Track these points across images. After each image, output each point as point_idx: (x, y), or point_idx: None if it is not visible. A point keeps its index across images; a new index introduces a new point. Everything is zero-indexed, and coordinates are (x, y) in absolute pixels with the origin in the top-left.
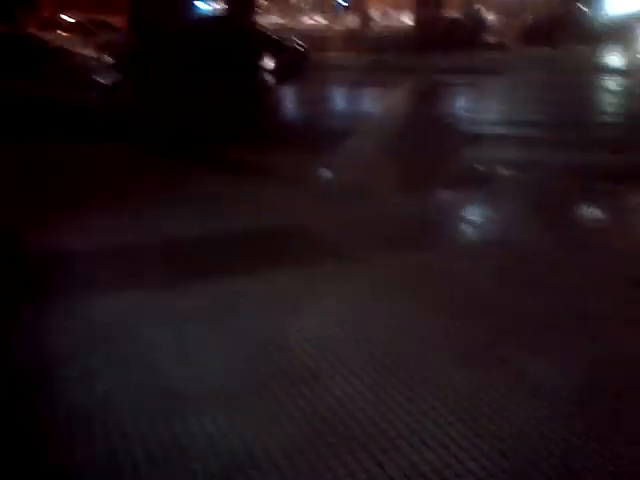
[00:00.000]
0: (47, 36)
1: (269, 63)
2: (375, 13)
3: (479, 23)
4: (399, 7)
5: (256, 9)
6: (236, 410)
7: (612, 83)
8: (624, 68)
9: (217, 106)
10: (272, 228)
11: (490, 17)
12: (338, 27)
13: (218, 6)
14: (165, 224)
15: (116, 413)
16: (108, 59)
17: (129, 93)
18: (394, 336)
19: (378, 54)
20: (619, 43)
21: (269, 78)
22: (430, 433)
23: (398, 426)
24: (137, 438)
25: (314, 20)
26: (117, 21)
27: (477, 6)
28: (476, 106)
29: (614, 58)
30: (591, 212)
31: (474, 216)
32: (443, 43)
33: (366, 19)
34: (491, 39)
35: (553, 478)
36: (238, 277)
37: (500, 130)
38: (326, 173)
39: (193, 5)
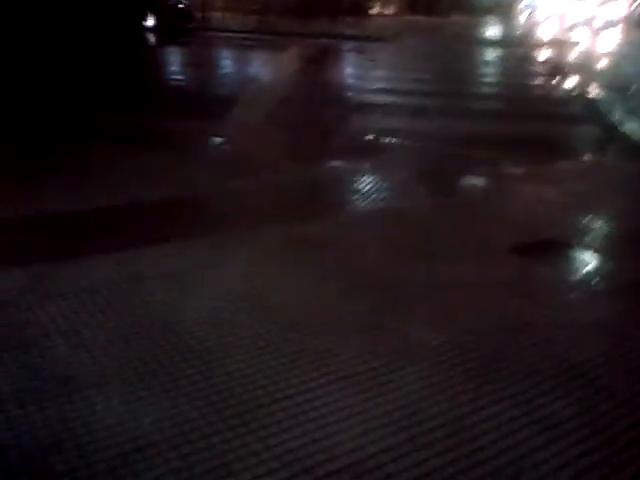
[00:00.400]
0: None
1: (149, 20)
2: None
3: None
4: None
5: None
6: (130, 389)
7: (492, 54)
8: (503, 39)
9: (93, 68)
10: (159, 199)
11: None
12: None
13: None
14: (52, 197)
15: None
16: None
17: None
18: (284, 308)
19: (264, 16)
20: (498, 15)
21: (149, 37)
22: (326, 402)
23: (294, 397)
24: (23, 423)
25: None
26: None
27: None
28: (363, 73)
29: (494, 29)
30: (473, 180)
31: (361, 185)
32: (330, 9)
33: None
34: (377, 7)
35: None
36: (123, 251)
37: (386, 98)
38: (214, 141)
39: None
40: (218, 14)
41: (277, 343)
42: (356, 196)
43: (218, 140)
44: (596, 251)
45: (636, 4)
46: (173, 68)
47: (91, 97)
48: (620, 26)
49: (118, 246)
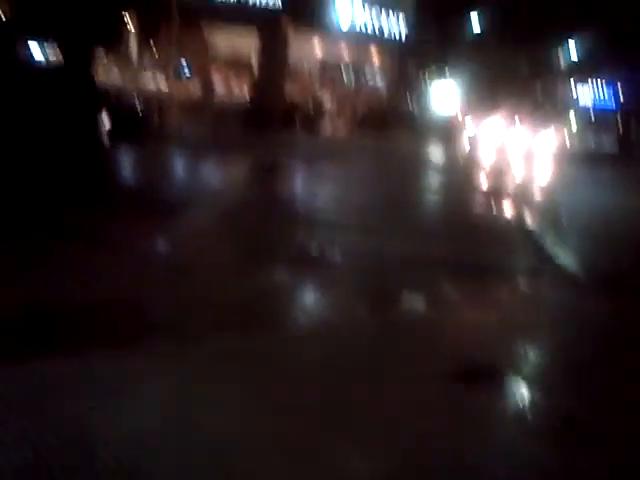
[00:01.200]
0: None
1: (106, 124)
2: (218, 84)
3: (317, 107)
4: (242, 82)
5: (95, 63)
6: None
7: (433, 178)
8: (443, 164)
9: (48, 168)
10: (98, 301)
11: (327, 103)
12: (180, 93)
13: (54, 57)
14: None
15: None
16: None
17: None
18: (213, 431)
19: (219, 125)
20: (441, 138)
21: (105, 138)
22: None
23: None
24: None
25: (155, 83)
26: None
27: (318, 91)
28: (312, 190)
29: (436, 153)
30: (412, 301)
31: (303, 298)
32: (282, 122)
33: (209, 89)
34: (326, 124)
35: None
36: (49, 358)
37: (332, 216)
38: (162, 243)
39: (25, 53)
40: (175, 120)
41: (200, 470)
42: (298, 309)
43: (166, 242)
44: (531, 382)
45: (570, 139)
46: (127, 172)
47: (42, 195)
48: (556, 159)
49: (43, 350)
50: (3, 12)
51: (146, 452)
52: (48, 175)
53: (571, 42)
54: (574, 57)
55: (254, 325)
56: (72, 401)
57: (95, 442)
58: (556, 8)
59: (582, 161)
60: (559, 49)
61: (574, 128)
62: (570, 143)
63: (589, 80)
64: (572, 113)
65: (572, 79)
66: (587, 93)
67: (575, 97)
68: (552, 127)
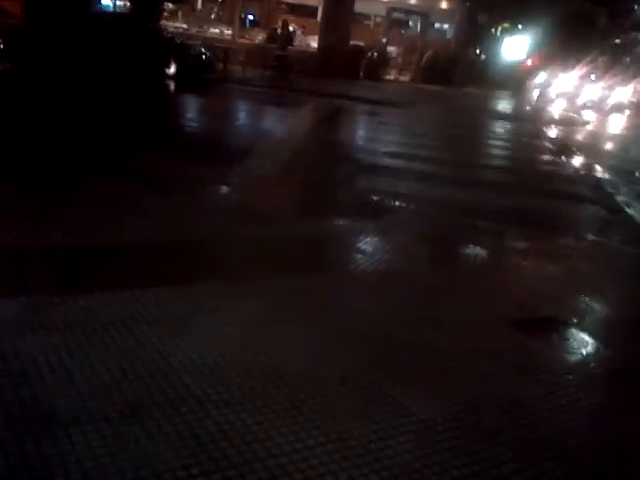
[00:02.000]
0: None
1: (171, 68)
2: (283, 32)
3: (382, 55)
4: (308, 30)
5: (161, 12)
6: (113, 431)
7: (502, 127)
8: (514, 113)
9: (114, 109)
10: (165, 241)
11: (393, 52)
12: (245, 40)
13: (122, 3)
14: (56, 230)
15: None
16: None
17: (17, 82)
18: (278, 361)
19: (283, 72)
20: (509, 88)
21: (170, 83)
22: (312, 465)
23: (279, 457)
24: (1, 462)
25: (220, 31)
26: (11, 5)
27: (383, 39)
28: (375, 136)
29: (503, 102)
30: (475, 250)
31: (365, 244)
32: (345, 70)
33: (274, 37)
34: (391, 72)
35: None
36: (119, 292)
37: (395, 162)
38: (224, 189)
39: (97, 4)
40: (239, 67)
41: (269, 399)
42: (359, 255)
43: (228, 188)
44: (594, 334)
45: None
46: (190, 115)
47: (107, 138)
48: (628, 110)
49: (118, 285)
50: None
51: (214, 381)
52: (114, 116)
53: None
54: None
55: (318, 267)
56: (143, 332)
57: (166, 371)
58: None
59: None
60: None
61: None
62: None
63: None
64: None
65: None
66: None
67: None
68: (632, 81)
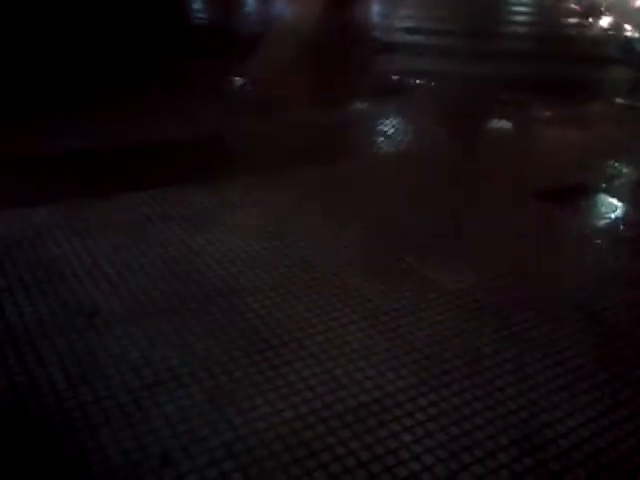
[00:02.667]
0: None
1: None
2: None
3: None
4: None
5: None
6: (153, 325)
7: None
8: None
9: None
10: (186, 138)
11: None
12: None
13: None
14: (77, 134)
15: (30, 333)
16: None
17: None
18: (310, 251)
19: None
20: None
21: None
22: (347, 341)
23: (315, 336)
24: (51, 354)
25: None
26: None
27: None
28: (389, 12)
29: None
30: (500, 123)
31: (386, 127)
32: None
33: None
34: None
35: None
36: (152, 189)
37: (413, 38)
38: (238, 81)
39: None
40: None
41: (301, 284)
42: (382, 138)
43: (242, 80)
44: (623, 198)
45: None
46: (197, 7)
47: (116, 38)
48: None
49: (146, 185)
50: None
51: (246, 270)
52: (118, 17)
53: None
54: None
55: (340, 154)
56: (174, 227)
57: (198, 265)
58: None
59: None
60: None
61: None
62: None
63: None
64: None
65: None
66: None
67: None
68: None
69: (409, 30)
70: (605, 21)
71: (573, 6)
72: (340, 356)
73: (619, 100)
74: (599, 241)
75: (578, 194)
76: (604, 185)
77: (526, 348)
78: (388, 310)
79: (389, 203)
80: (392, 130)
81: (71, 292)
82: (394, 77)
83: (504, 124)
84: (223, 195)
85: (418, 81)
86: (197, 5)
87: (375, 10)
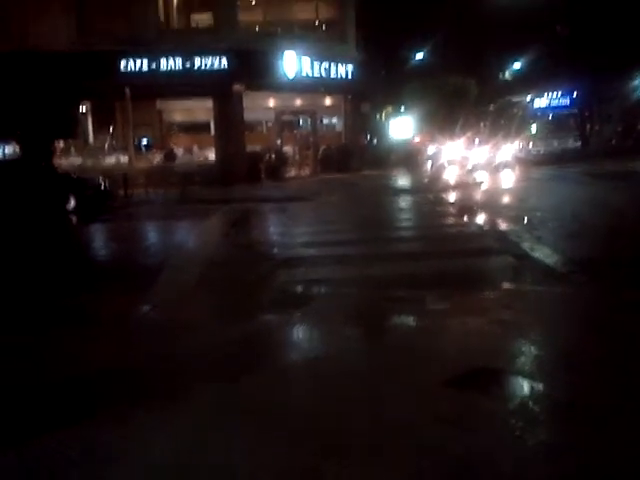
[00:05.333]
0: None
1: (70, 203)
2: (178, 150)
3: (279, 155)
4: (202, 145)
5: (53, 150)
6: None
7: (404, 200)
8: (409, 187)
9: (17, 254)
10: (89, 376)
11: (288, 150)
12: (142, 165)
13: (11, 150)
14: None
15: None
16: None
17: None
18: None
19: (185, 187)
20: (403, 165)
21: (72, 218)
22: None
23: None
24: None
25: (117, 159)
26: None
27: (277, 140)
28: (287, 230)
29: (400, 178)
30: (402, 319)
31: (292, 335)
32: (248, 176)
33: (170, 156)
34: (291, 170)
35: None
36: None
37: (310, 251)
38: (143, 310)
39: None
40: (141, 190)
41: None
42: (288, 347)
43: (147, 308)
44: (528, 376)
45: (525, 146)
46: (98, 245)
47: (17, 283)
48: (515, 165)
49: (37, 430)
50: None
51: None
52: (18, 261)
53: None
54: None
55: (247, 370)
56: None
57: None
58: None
59: (546, 161)
60: (508, 66)
61: (536, 134)
62: (534, 147)
63: (545, 90)
64: (532, 122)
65: (527, 92)
66: (543, 101)
67: (532, 107)
68: (514, 139)
69: (305, 244)
70: (480, 218)
71: (450, 209)
72: None
73: (504, 286)
74: (513, 421)
75: (486, 378)
76: (508, 366)
77: None
78: None
79: (299, 415)
80: (298, 338)
81: None
82: (295, 288)
83: (405, 320)
84: (124, 433)
85: (318, 289)
86: (98, 244)
87: (274, 230)
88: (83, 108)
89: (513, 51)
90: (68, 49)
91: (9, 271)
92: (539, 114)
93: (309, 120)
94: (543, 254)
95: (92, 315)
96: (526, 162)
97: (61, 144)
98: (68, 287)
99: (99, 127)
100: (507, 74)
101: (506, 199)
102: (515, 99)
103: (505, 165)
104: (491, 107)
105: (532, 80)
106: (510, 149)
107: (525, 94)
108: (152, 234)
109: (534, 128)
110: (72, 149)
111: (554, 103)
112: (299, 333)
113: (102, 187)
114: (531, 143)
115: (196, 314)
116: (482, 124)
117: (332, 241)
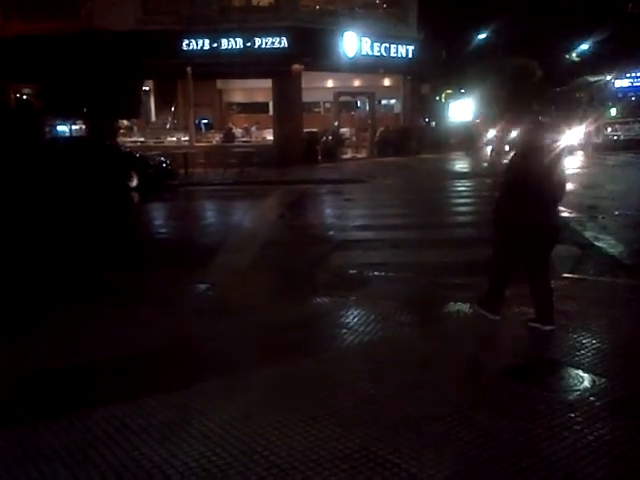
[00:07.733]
0: None
1: (133, 181)
2: (237, 130)
3: (336, 137)
4: (263, 125)
5: (117, 129)
6: None
7: (460, 185)
8: (468, 171)
9: (84, 230)
10: (148, 350)
11: (345, 131)
12: (202, 144)
13: (79, 127)
14: (40, 354)
15: None
16: None
17: None
18: (278, 454)
19: (242, 168)
20: (463, 148)
21: (134, 196)
22: None
23: None
24: None
25: (178, 138)
26: None
27: (335, 121)
28: (343, 212)
29: (459, 162)
30: (457, 306)
31: (347, 319)
32: (304, 157)
33: (229, 136)
34: (347, 152)
35: None
36: (112, 405)
37: (366, 234)
38: (199, 289)
39: (48, 126)
40: (200, 170)
41: None
42: (344, 330)
43: (204, 287)
44: (587, 369)
45: (589, 132)
46: (157, 223)
47: (81, 257)
48: (580, 151)
49: (108, 400)
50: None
51: None
52: (85, 237)
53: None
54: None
55: (304, 351)
56: (135, 441)
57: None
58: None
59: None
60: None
61: (615, 117)
62: (612, 132)
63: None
64: (611, 105)
65: (605, 72)
66: (625, 82)
67: (611, 87)
68: (588, 122)
69: (360, 227)
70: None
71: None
72: None
73: (566, 275)
74: (571, 414)
75: (543, 369)
76: (566, 358)
77: None
78: None
79: (355, 395)
80: (353, 321)
81: None
82: (351, 271)
83: (460, 307)
84: (185, 403)
85: (373, 272)
86: (159, 222)
87: (329, 212)
88: (146, 87)
89: (581, 31)
90: (132, 28)
91: (72, 244)
92: (620, 95)
93: (367, 101)
94: (607, 244)
95: (149, 292)
96: (602, 147)
97: (124, 122)
98: (126, 263)
99: (161, 106)
100: (574, 54)
101: (570, 185)
102: (592, 79)
103: (571, 149)
104: (556, 89)
105: (608, 59)
106: (578, 133)
107: (604, 74)
108: (210, 213)
109: (613, 111)
110: (135, 128)
111: (638, 83)
112: (354, 317)
113: (164, 166)
114: (609, 127)
115: (252, 295)
116: (547, 108)
117: (388, 225)
